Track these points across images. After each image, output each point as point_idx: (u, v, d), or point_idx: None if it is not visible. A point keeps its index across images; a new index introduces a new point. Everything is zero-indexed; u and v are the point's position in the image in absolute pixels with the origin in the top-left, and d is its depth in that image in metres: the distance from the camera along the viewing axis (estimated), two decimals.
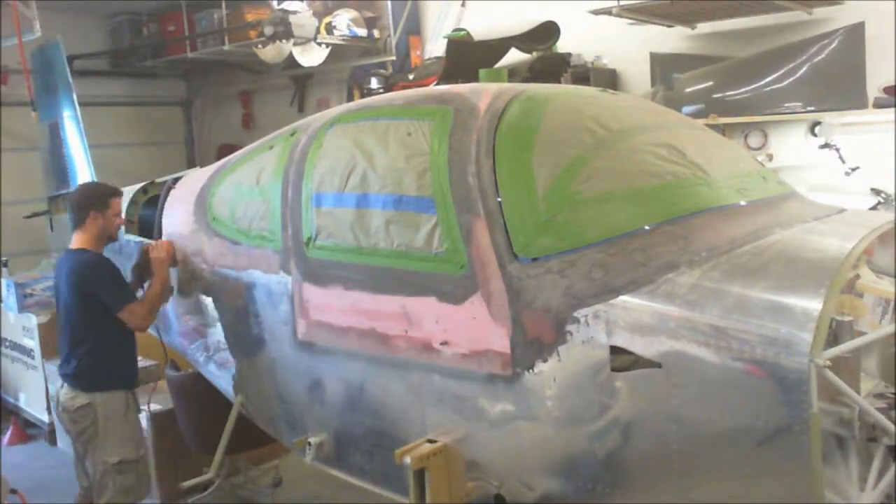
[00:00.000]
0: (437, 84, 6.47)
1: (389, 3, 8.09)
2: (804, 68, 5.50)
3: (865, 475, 2.38)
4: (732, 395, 2.31)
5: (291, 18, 7.32)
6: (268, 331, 3.67)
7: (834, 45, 5.40)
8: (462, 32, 6.93)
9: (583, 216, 2.73)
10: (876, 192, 5.37)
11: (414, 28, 8.22)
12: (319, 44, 7.73)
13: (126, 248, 4.98)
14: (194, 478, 4.52)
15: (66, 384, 4.07)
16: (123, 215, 5.04)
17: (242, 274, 3.75)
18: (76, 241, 4.08)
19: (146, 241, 4.66)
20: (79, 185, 4.25)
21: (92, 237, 4.07)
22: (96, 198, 4.09)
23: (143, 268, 4.22)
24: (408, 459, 2.77)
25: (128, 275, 4.27)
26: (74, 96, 6.56)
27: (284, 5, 7.47)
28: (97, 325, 3.98)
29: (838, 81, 5.40)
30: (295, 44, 7.48)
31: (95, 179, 6.38)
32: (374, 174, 3.10)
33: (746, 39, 6.10)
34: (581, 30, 6.60)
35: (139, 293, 4.19)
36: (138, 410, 4.24)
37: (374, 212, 3.08)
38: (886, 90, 5.30)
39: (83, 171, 6.47)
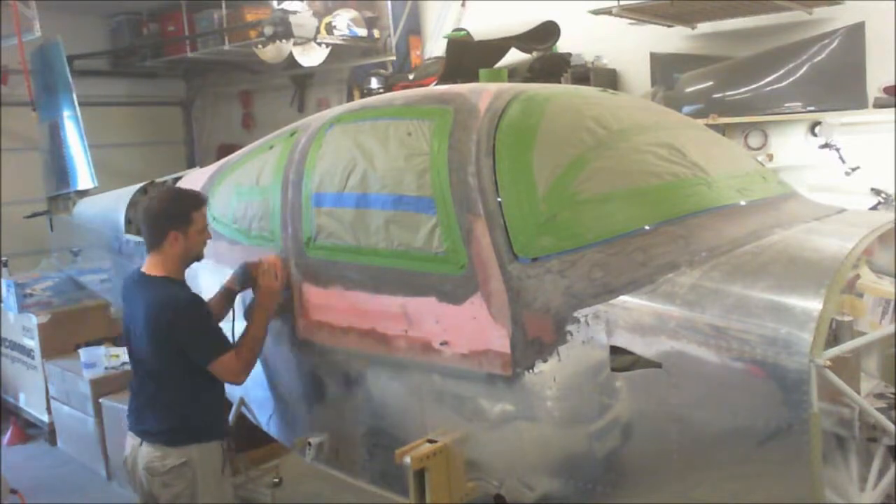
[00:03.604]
0: (437, 84, 6.47)
1: (389, 3, 8.09)
2: (804, 68, 5.49)
3: (865, 475, 2.38)
4: (732, 395, 2.31)
5: (291, 18, 7.31)
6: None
7: (834, 45, 5.40)
8: (462, 32, 6.92)
9: (583, 216, 2.73)
10: (876, 192, 5.37)
11: (414, 28, 8.21)
12: (319, 44, 7.72)
13: (126, 247, 4.99)
14: None
15: (146, 442, 3.35)
16: (123, 216, 5.06)
17: None
18: (152, 264, 3.34)
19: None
20: (155, 196, 3.43)
21: (173, 262, 3.32)
22: (176, 214, 3.30)
23: (242, 290, 3.48)
24: (408, 459, 2.77)
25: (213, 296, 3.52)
26: (74, 96, 6.57)
27: (284, 5, 7.46)
28: (183, 369, 3.29)
29: (838, 81, 5.40)
30: (295, 44, 7.48)
31: (85, 178, 6.37)
32: (374, 174, 3.10)
33: (746, 39, 6.10)
34: (581, 30, 6.60)
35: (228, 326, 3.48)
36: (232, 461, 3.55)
37: (374, 212, 3.08)
38: (886, 90, 5.29)
39: (83, 171, 6.47)
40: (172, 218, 3.30)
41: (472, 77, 5.63)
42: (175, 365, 3.28)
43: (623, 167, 2.92)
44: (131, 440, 3.44)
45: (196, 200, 3.40)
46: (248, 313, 3.42)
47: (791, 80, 5.53)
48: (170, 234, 3.28)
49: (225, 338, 3.35)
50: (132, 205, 5.10)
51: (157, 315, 3.21)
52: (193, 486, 3.31)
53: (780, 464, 2.24)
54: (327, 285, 3.27)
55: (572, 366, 2.60)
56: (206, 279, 4.06)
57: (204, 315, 3.30)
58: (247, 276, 3.43)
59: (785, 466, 2.23)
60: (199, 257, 3.42)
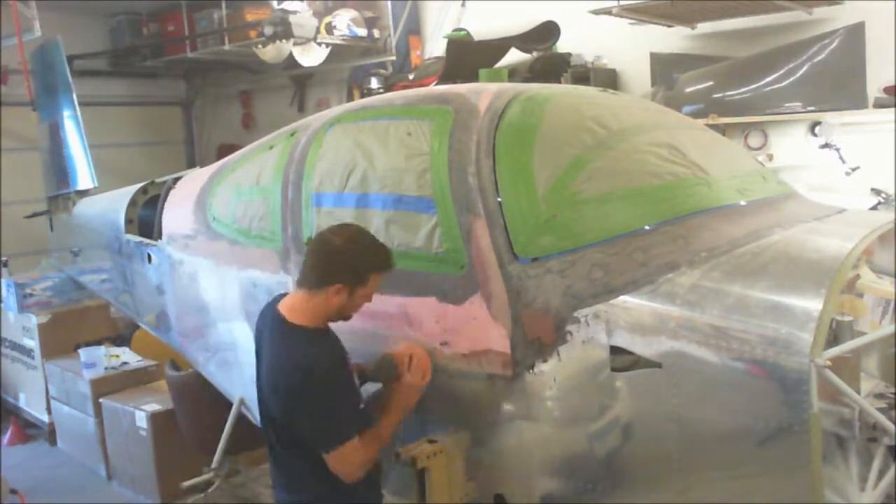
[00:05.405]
0: (437, 84, 6.47)
1: (389, 3, 8.09)
2: (804, 68, 5.50)
3: (865, 475, 2.38)
4: (732, 396, 2.31)
5: (291, 18, 7.32)
6: None
7: (834, 45, 5.40)
8: (462, 32, 6.93)
9: (583, 216, 2.73)
10: (876, 192, 5.37)
11: (414, 28, 8.22)
12: (319, 44, 7.73)
13: (126, 247, 4.99)
14: (194, 478, 4.52)
15: None
16: (123, 216, 5.06)
17: (242, 274, 3.75)
18: (296, 307, 2.78)
19: (147, 241, 4.67)
20: (344, 232, 2.81)
21: (322, 313, 2.77)
22: (355, 268, 2.73)
23: (378, 378, 2.92)
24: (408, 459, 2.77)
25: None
26: (74, 96, 6.58)
27: (284, 5, 7.47)
28: (300, 441, 2.77)
29: (838, 81, 5.40)
30: (295, 44, 7.49)
31: (85, 178, 6.37)
32: (374, 174, 3.10)
33: (746, 39, 6.11)
34: (581, 30, 6.60)
35: None
36: None
37: (374, 212, 3.08)
38: (886, 90, 5.30)
39: (83, 171, 6.48)
40: (349, 269, 2.73)
41: (472, 77, 5.64)
42: (292, 436, 2.78)
43: (623, 167, 2.92)
44: None
45: (381, 262, 2.78)
46: (382, 406, 2.87)
47: (791, 80, 5.54)
48: (331, 287, 2.72)
49: (354, 421, 2.73)
50: (132, 204, 5.11)
51: (281, 379, 2.69)
52: None
53: (780, 464, 2.24)
54: None
55: (572, 366, 2.60)
56: (206, 280, 4.07)
57: (334, 392, 2.69)
58: (392, 370, 2.86)
59: (785, 466, 2.23)
60: (347, 318, 2.86)
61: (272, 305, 2.91)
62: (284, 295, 2.94)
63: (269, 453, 2.95)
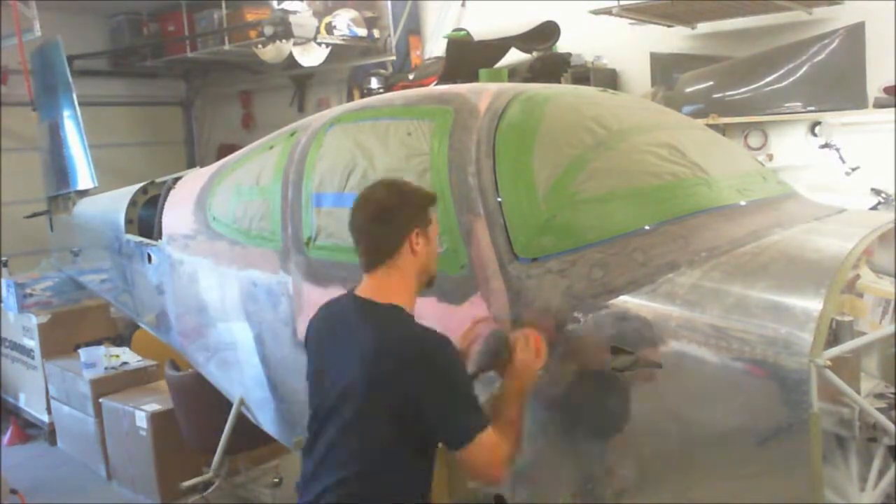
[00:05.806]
0: (437, 84, 6.47)
1: (389, 3, 8.09)
2: (804, 68, 5.50)
3: (865, 475, 2.38)
4: (732, 395, 2.31)
5: (291, 18, 7.32)
6: (268, 331, 3.67)
7: (834, 45, 5.40)
8: (462, 32, 6.93)
9: (583, 216, 2.73)
10: (876, 192, 5.37)
11: (414, 28, 8.22)
12: (319, 44, 7.73)
13: (126, 247, 4.99)
14: (194, 478, 4.53)
15: None
16: (123, 216, 5.07)
17: (242, 274, 3.75)
18: (376, 286, 2.40)
19: (147, 241, 4.67)
20: (373, 190, 2.46)
21: (407, 283, 2.39)
22: (417, 208, 2.40)
23: (491, 364, 2.54)
24: None
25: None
26: (74, 96, 6.58)
27: (284, 5, 7.47)
28: (395, 446, 2.31)
29: (838, 81, 5.40)
30: (295, 44, 7.49)
31: (85, 178, 6.38)
32: (375, 174, 3.10)
33: (746, 39, 6.11)
34: (581, 30, 6.60)
35: None
36: None
37: None
38: (886, 90, 5.29)
39: (83, 171, 6.48)
40: (412, 213, 2.37)
41: (472, 77, 5.64)
42: (387, 437, 2.30)
43: (623, 167, 2.92)
44: None
45: (431, 195, 2.48)
46: (502, 395, 2.46)
47: (791, 80, 5.54)
48: (410, 237, 2.35)
49: (483, 411, 2.33)
50: (132, 204, 5.11)
51: (393, 356, 2.26)
52: None
53: (780, 464, 2.24)
54: (327, 285, 3.27)
55: (572, 366, 2.59)
56: (206, 280, 4.07)
57: (464, 369, 2.33)
58: (502, 347, 2.51)
59: (785, 466, 2.23)
60: (432, 280, 2.50)
61: (339, 298, 2.56)
62: (347, 296, 2.52)
63: (318, 458, 2.41)
